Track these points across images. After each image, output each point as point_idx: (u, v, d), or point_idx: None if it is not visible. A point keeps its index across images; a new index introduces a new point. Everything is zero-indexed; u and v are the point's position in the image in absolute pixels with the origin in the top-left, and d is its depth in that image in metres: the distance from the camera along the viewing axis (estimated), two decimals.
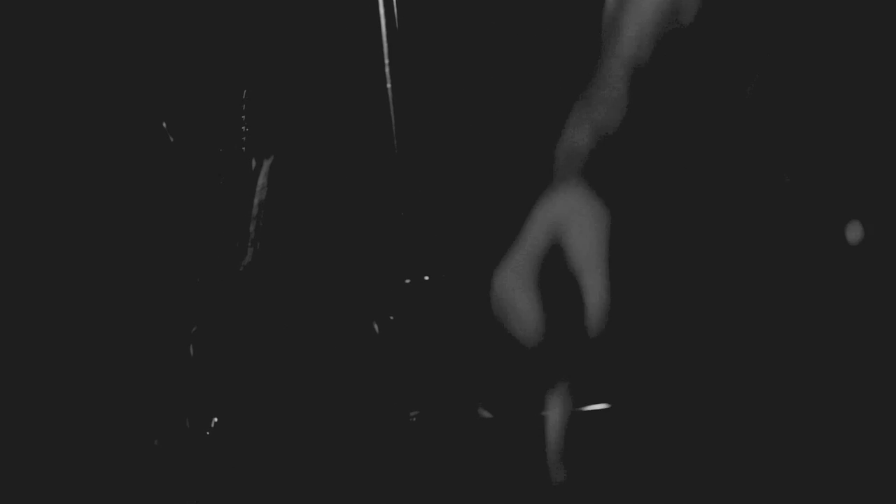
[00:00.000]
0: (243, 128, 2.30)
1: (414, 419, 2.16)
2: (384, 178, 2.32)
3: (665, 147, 1.13)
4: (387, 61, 2.30)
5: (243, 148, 2.30)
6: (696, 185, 1.15)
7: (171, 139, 2.30)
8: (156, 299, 2.31)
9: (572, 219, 1.09)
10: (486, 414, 2.12)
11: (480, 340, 2.28)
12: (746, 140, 1.14)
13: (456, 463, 2.10)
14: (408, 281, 2.27)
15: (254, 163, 2.32)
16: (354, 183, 2.42)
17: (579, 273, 1.06)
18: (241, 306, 2.24)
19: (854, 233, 1.02)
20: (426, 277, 2.26)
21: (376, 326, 2.26)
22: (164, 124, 2.29)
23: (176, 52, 2.36)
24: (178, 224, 2.32)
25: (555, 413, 1.05)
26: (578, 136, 1.15)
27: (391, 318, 2.25)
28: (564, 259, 1.08)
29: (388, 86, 2.30)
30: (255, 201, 2.29)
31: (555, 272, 1.07)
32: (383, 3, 2.29)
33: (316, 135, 2.42)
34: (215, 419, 2.09)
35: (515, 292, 1.06)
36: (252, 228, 2.28)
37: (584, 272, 1.06)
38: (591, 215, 1.08)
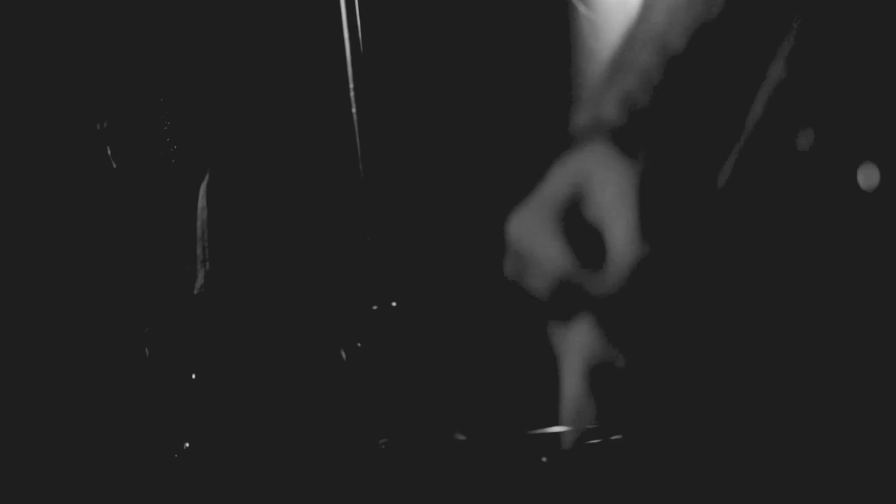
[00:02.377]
0: (171, 147, 2.26)
1: (384, 446, 2.12)
2: (349, 202, 2.29)
3: (696, 126, 1.11)
4: (351, 85, 2.28)
5: (173, 167, 2.26)
6: (720, 168, 1.13)
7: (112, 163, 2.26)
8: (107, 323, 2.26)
9: (596, 171, 1.07)
10: (460, 437, 2.08)
11: (450, 365, 2.24)
12: (768, 127, 1.12)
13: (428, 489, 2.06)
14: (375, 307, 2.23)
15: (191, 183, 2.28)
16: (318, 206, 2.38)
17: (602, 223, 1.04)
18: (200, 331, 2.19)
19: (869, 178, 1.00)
20: (394, 304, 2.23)
21: (343, 353, 2.21)
22: (106, 144, 2.24)
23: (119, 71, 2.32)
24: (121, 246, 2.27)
25: (573, 361, 1.02)
26: (605, 105, 1.13)
27: (358, 344, 2.21)
28: (586, 210, 1.05)
29: (353, 110, 2.28)
30: (198, 223, 2.25)
31: (575, 222, 1.05)
32: (348, 28, 2.28)
33: (279, 158, 2.39)
34: (186, 444, 2.03)
35: (536, 235, 1.04)
36: (199, 250, 2.23)
37: (608, 222, 1.04)
38: (617, 169, 1.06)
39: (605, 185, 1.06)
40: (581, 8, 2.42)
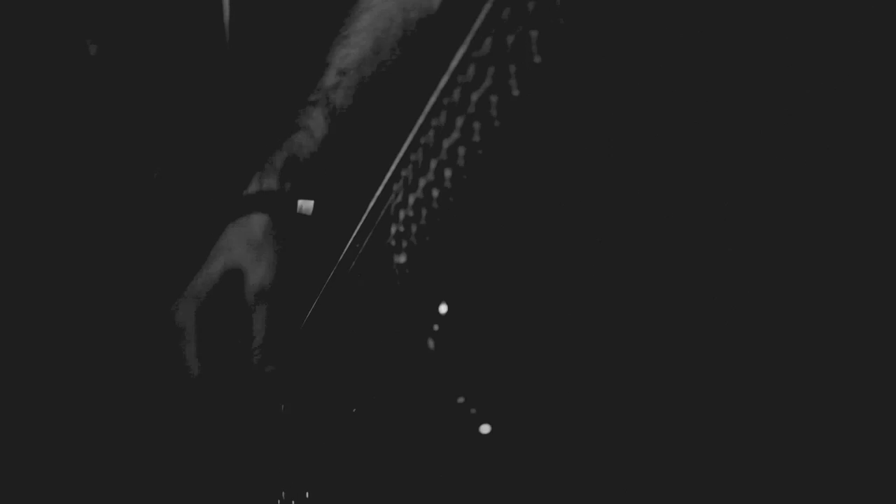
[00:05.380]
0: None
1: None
2: None
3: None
4: None
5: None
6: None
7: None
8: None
9: (248, 251, 1.32)
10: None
11: None
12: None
13: None
14: None
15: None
16: None
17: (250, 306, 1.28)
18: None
19: None
20: None
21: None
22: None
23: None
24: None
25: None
26: (268, 168, 1.36)
27: None
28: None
29: None
30: None
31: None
32: None
33: None
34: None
35: (190, 322, 1.28)
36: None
37: (253, 306, 1.28)
38: (268, 249, 1.32)
39: (256, 267, 1.30)
40: None
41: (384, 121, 1.38)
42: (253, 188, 1.36)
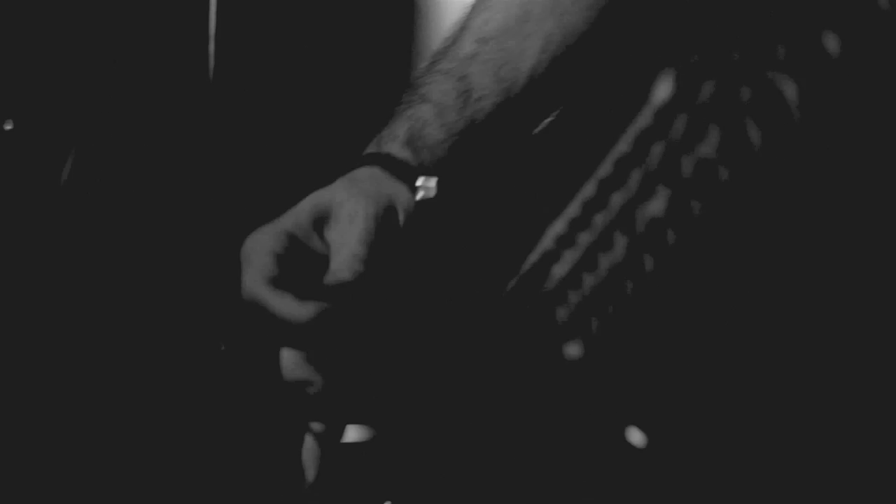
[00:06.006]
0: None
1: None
2: None
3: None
4: None
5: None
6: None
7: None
8: None
9: (334, 205, 1.11)
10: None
11: None
12: None
13: None
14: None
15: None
16: None
17: (332, 247, 1.10)
18: None
19: None
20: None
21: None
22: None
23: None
24: None
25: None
26: (387, 135, 1.18)
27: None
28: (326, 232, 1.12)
29: None
30: None
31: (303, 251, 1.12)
32: None
33: None
34: None
35: (257, 254, 1.09)
36: None
37: (336, 248, 1.09)
38: (354, 203, 1.10)
39: (344, 213, 1.10)
40: None
41: (533, 115, 1.13)
42: (371, 149, 1.19)
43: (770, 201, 0.71)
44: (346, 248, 1.08)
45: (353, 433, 1.11)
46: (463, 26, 1.23)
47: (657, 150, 0.73)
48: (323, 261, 1.11)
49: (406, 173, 1.14)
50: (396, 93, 1.22)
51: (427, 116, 1.18)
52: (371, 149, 1.18)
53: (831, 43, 0.63)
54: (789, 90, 0.64)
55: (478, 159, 1.17)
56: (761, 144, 0.67)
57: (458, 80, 1.19)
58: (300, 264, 1.11)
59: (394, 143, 1.16)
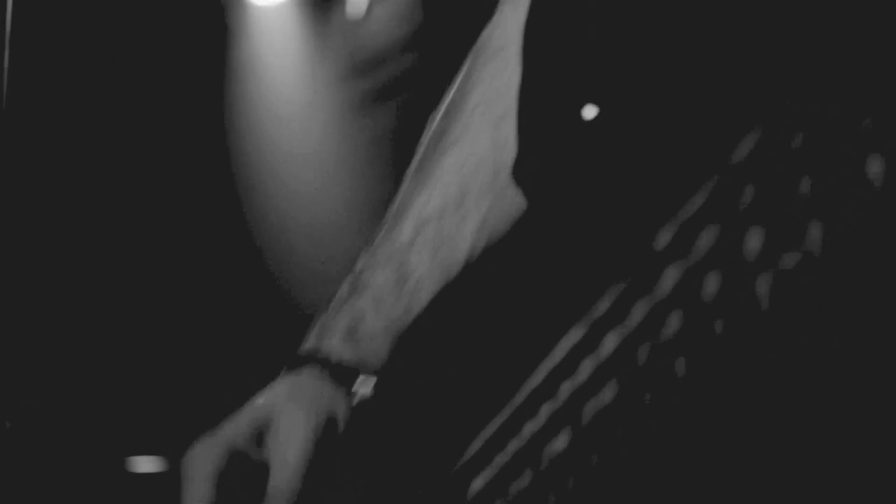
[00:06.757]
0: None
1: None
2: None
3: None
4: None
5: None
6: None
7: None
8: None
9: (274, 416, 1.12)
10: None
11: None
12: None
13: None
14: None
15: None
16: None
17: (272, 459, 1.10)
18: None
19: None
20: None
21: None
22: None
23: None
24: None
25: None
26: (327, 328, 1.19)
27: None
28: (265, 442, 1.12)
29: None
30: None
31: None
32: None
33: None
34: None
35: (199, 470, 1.09)
36: None
37: (274, 467, 1.10)
38: (296, 414, 1.12)
39: (284, 425, 1.11)
40: None
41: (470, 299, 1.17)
42: (310, 345, 1.17)
43: None
44: (286, 465, 1.09)
45: None
46: (402, 204, 1.23)
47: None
48: (262, 467, 1.11)
49: (345, 376, 1.15)
50: None
51: (366, 307, 1.18)
52: (311, 342, 1.18)
53: None
54: None
55: (417, 351, 1.18)
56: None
57: (397, 268, 1.19)
58: (240, 472, 1.10)
59: (333, 338, 1.17)
